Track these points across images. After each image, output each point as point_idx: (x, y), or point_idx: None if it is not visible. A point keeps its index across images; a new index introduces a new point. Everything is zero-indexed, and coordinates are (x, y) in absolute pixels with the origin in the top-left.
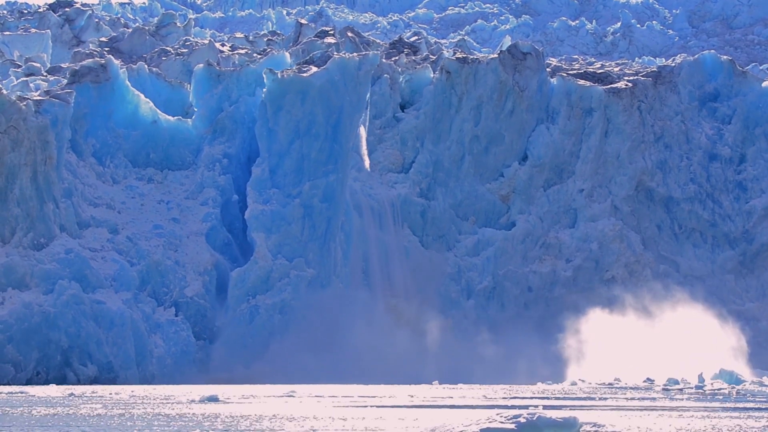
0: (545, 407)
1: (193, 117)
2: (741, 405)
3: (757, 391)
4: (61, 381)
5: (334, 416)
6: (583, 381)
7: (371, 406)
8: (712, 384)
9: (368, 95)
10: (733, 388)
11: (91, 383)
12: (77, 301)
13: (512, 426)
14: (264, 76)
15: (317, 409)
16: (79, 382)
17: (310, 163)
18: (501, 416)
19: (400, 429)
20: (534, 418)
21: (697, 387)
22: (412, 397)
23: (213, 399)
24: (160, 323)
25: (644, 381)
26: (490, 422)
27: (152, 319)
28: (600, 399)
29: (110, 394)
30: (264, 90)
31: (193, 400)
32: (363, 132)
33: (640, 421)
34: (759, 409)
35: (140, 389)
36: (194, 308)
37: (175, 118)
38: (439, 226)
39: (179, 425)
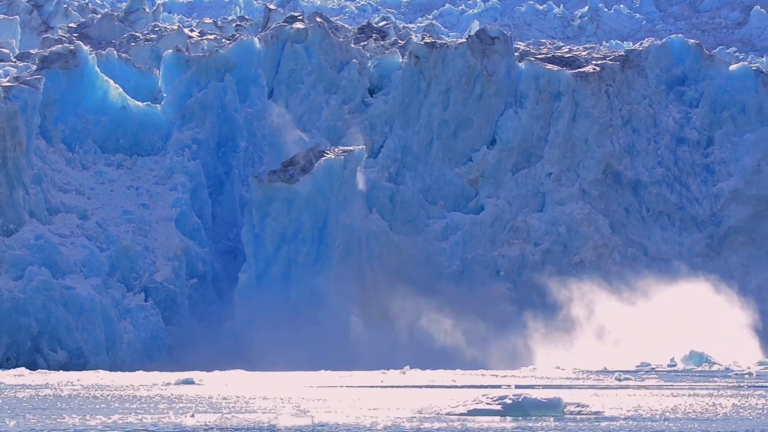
0: (517, 386)
1: (162, 103)
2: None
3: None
4: (31, 367)
5: (319, 398)
6: (560, 368)
7: (357, 387)
8: (684, 366)
9: (356, 185)
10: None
11: (60, 369)
12: (47, 287)
13: (499, 407)
14: (250, 182)
15: (299, 392)
16: (49, 368)
17: (297, 268)
18: (487, 397)
19: (388, 410)
20: (519, 399)
21: (669, 365)
22: (382, 381)
23: (188, 382)
24: (130, 309)
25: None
26: (476, 403)
27: (122, 304)
28: (573, 380)
29: (84, 379)
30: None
31: (168, 383)
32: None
33: (621, 401)
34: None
35: (113, 375)
36: (164, 293)
37: (145, 103)
38: (408, 210)
39: (167, 407)
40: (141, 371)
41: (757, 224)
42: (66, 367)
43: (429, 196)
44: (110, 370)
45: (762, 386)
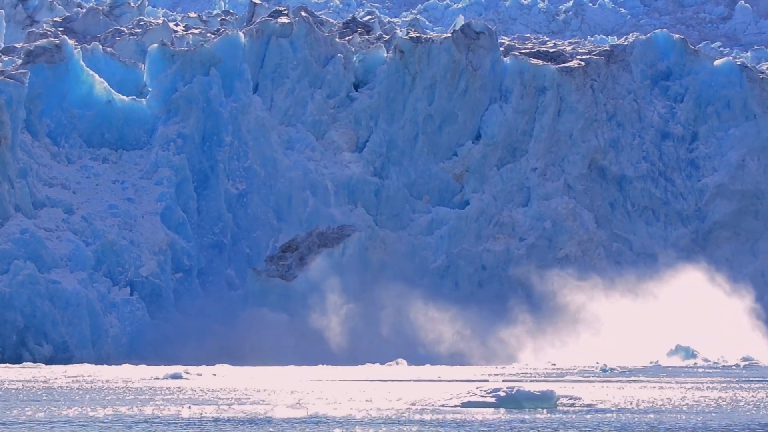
0: (504, 380)
1: (148, 97)
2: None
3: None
4: (17, 361)
5: (310, 391)
6: (552, 364)
7: (347, 381)
8: (669, 360)
9: (354, 267)
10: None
11: (46, 363)
12: (32, 281)
13: (492, 399)
14: (247, 275)
15: (289, 385)
16: (34, 362)
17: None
18: (481, 390)
19: (382, 402)
20: (513, 392)
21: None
22: (368, 377)
23: (177, 376)
24: (116, 303)
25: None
26: (470, 396)
27: (107, 298)
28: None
29: (71, 372)
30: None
31: (157, 377)
32: None
33: (614, 394)
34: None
35: (100, 369)
36: (149, 287)
37: (130, 98)
38: (393, 205)
39: (162, 400)
40: (127, 365)
41: (741, 219)
42: (51, 361)
43: (414, 190)
44: (96, 365)
45: (749, 380)
